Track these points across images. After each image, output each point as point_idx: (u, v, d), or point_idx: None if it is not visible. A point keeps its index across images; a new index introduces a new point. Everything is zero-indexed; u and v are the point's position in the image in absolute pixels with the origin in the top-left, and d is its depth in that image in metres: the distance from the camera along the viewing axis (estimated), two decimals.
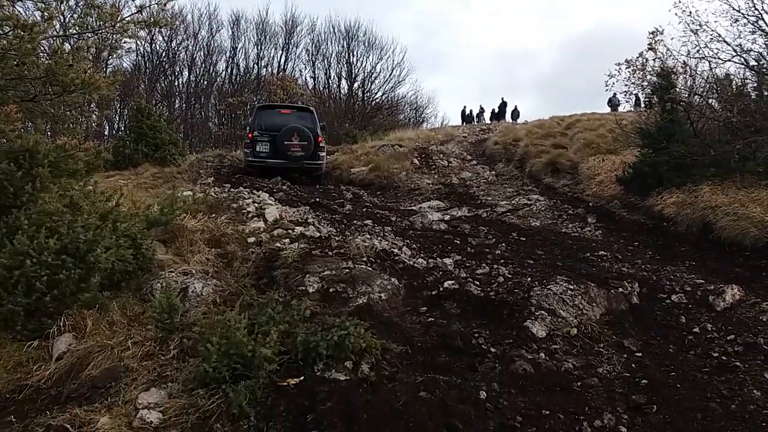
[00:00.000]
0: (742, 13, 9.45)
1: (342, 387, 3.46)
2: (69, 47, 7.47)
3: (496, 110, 35.03)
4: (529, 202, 11.14)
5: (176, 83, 36.83)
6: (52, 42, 7.49)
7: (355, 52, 38.18)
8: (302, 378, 3.52)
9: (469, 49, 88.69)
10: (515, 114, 33.38)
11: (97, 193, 5.52)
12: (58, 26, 7.75)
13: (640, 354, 4.33)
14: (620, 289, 5.26)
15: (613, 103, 24.99)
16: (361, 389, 3.49)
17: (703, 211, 8.08)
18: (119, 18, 7.58)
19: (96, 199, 5.34)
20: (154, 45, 34.87)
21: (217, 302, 4.80)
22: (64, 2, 7.80)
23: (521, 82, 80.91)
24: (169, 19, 9.27)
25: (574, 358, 4.22)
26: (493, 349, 4.25)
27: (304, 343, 3.74)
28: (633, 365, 4.17)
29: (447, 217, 9.32)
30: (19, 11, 7.02)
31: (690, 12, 9.77)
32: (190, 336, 4.14)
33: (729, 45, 9.65)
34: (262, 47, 39.18)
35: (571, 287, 5.05)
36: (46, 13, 6.84)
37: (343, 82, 38.57)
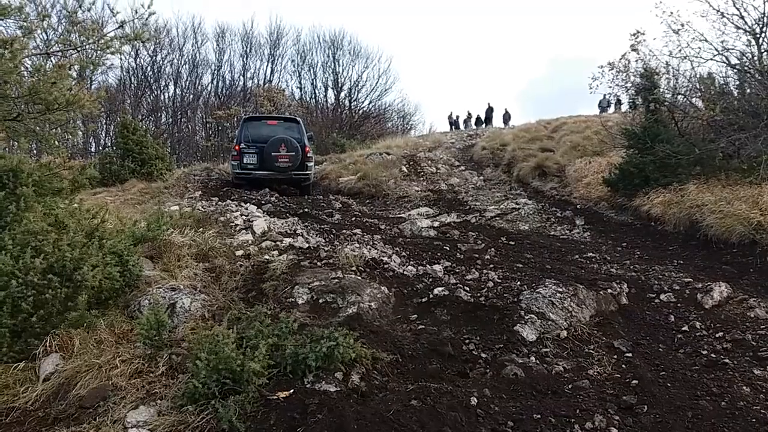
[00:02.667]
0: (722, 12, 9.57)
1: (332, 398, 3.43)
2: (52, 65, 7.44)
3: (483, 116, 35.14)
4: (518, 206, 11.20)
5: (162, 97, 36.82)
6: (34, 60, 7.46)
7: (340, 62, 38.42)
8: (292, 391, 3.50)
9: (456, 56, 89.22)
10: (506, 117, 33.50)
11: (83, 211, 5.47)
12: (40, 44, 7.72)
13: (630, 354, 4.35)
14: (609, 290, 5.29)
15: (602, 105, 25.24)
16: (351, 400, 3.47)
17: (689, 209, 8.15)
18: (102, 34, 7.57)
19: (82, 217, 5.29)
20: (138, 59, 34.86)
21: (206, 317, 4.77)
22: (46, 19, 7.78)
23: (504, 90, 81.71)
24: (152, 33, 9.26)
25: (564, 361, 4.23)
26: (483, 355, 4.25)
27: (293, 355, 3.72)
28: (623, 366, 4.18)
29: (436, 224, 9.35)
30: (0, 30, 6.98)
31: (671, 12, 9.89)
32: (178, 352, 4.11)
33: (710, 44, 9.78)
34: (248, 59, 39.35)
35: (561, 290, 5.06)
36: (26, 30, 6.82)
37: (330, 91, 38.75)
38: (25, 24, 6.95)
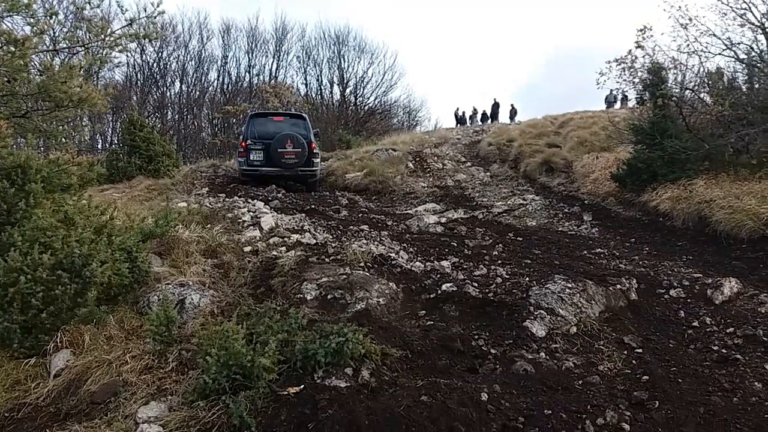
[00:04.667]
0: (731, 7, 9.50)
1: (342, 394, 3.43)
2: (59, 62, 7.47)
3: (488, 112, 35.01)
4: (525, 202, 11.16)
5: (168, 94, 36.92)
6: (42, 57, 7.48)
7: (346, 58, 38.39)
8: (302, 386, 3.49)
9: (461, 50, 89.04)
10: (513, 113, 33.34)
11: (92, 207, 5.49)
12: (48, 40, 7.75)
13: (640, 350, 4.32)
14: (618, 286, 5.26)
15: (609, 101, 25.14)
16: (361, 395, 3.46)
17: (698, 205, 8.10)
18: (109, 31, 7.59)
19: (90, 213, 5.30)
20: (144, 56, 34.96)
21: (215, 313, 4.78)
22: (54, 17, 7.80)
23: (506, 86, 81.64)
24: (159, 31, 9.27)
25: (574, 357, 4.21)
26: (493, 351, 4.24)
27: (302, 351, 3.71)
28: (634, 361, 4.16)
29: (443, 220, 9.33)
30: (8, 26, 7.01)
31: (679, 7, 9.83)
32: (188, 348, 4.12)
33: (718, 39, 9.71)
34: (254, 55, 39.37)
35: (570, 285, 5.04)
36: (36, 28, 6.85)
37: (336, 87, 38.75)
38: (32, 20, 6.98)
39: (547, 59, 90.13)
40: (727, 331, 4.56)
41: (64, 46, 7.80)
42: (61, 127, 8.03)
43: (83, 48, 7.64)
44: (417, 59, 74.41)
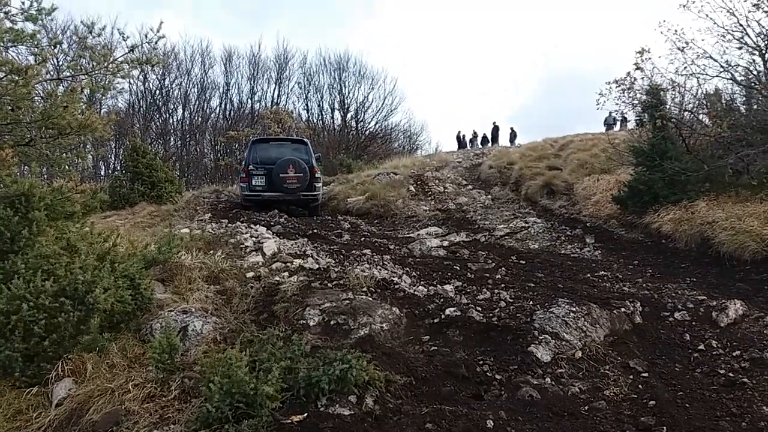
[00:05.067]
0: (727, 30, 9.60)
1: (346, 422, 3.40)
2: (63, 90, 7.55)
3: (489, 135, 35.19)
4: (527, 225, 11.16)
5: (171, 121, 37.19)
6: (46, 85, 7.57)
7: (346, 83, 38.71)
8: (306, 415, 3.47)
9: (458, 76, 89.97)
10: (512, 136, 33.51)
11: (94, 234, 5.50)
12: (51, 69, 7.85)
13: (646, 374, 4.29)
14: (623, 309, 5.24)
15: (608, 122, 25.26)
16: (365, 423, 3.43)
17: (700, 226, 8.10)
18: (111, 59, 7.68)
19: (93, 240, 5.31)
20: (147, 83, 35.30)
21: (218, 340, 4.75)
22: (58, 46, 7.91)
23: (503, 110, 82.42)
24: (160, 57, 9.39)
25: (580, 382, 4.18)
26: (498, 376, 4.21)
27: (306, 378, 3.69)
28: (640, 386, 4.12)
29: (445, 243, 9.32)
30: (12, 56, 7.10)
31: (675, 30, 9.93)
32: (191, 376, 4.09)
33: (716, 61, 9.80)
34: (255, 82, 39.70)
35: (574, 309, 5.02)
36: (39, 57, 6.94)
37: (336, 113, 39.01)
38: (36, 50, 7.08)
39: (541, 83, 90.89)
40: (734, 354, 4.53)
41: (68, 74, 7.89)
42: (64, 155, 8.09)
43: (86, 75, 7.73)
44: (417, 84, 75.05)
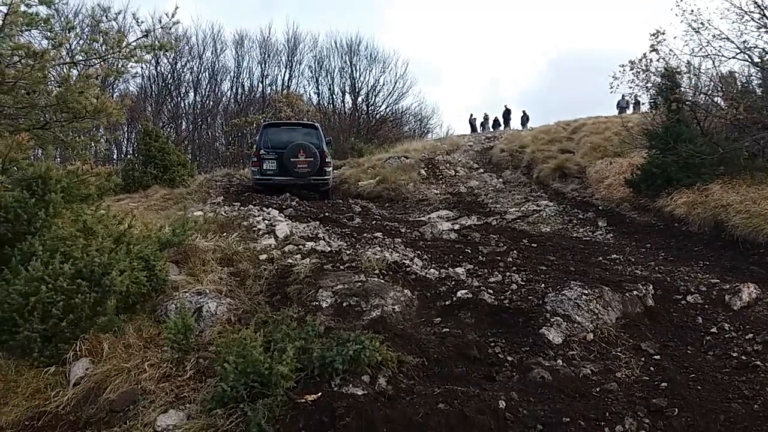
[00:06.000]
0: (745, 10, 9.45)
1: (360, 401, 3.44)
2: (77, 74, 7.57)
3: (500, 118, 34.95)
4: (539, 208, 11.13)
5: (182, 105, 37.26)
6: (60, 69, 7.60)
7: (357, 67, 38.56)
8: (320, 394, 3.51)
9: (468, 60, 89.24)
10: (524, 119, 33.25)
11: (110, 217, 5.55)
12: (65, 53, 7.87)
13: (658, 357, 4.30)
14: (635, 292, 5.23)
15: (621, 106, 25.00)
16: (379, 403, 3.47)
17: (714, 210, 8.04)
18: (125, 43, 7.69)
19: (109, 223, 5.37)
20: (159, 68, 35.33)
21: (232, 321, 4.81)
22: (72, 30, 7.92)
23: (514, 93, 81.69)
24: (173, 42, 9.38)
25: (591, 364, 4.19)
26: (510, 358, 4.23)
27: (320, 358, 3.73)
28: (652, 368, 4.13)
29: (457, 227, 9.32)
30: (26, 39, 7.13)
31: (692, 11, 9.78)
32: (206, 356, 4.15)
33: (732, 42, 9.64)
34: (266, 66, 39.63)
35: (586, 292, 5.02)
36: (54, 41, 6.96)
37: (347, 96, 38.89)
38: (50, 34, 7.10)
39: (550, 64, 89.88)
40: (747, 337, 4.51)
41: (81, 58, 7.91)
42: (79, 138, 8.14)
43: (100, 59, 7.75)
44: (428, 66, 74.50)
